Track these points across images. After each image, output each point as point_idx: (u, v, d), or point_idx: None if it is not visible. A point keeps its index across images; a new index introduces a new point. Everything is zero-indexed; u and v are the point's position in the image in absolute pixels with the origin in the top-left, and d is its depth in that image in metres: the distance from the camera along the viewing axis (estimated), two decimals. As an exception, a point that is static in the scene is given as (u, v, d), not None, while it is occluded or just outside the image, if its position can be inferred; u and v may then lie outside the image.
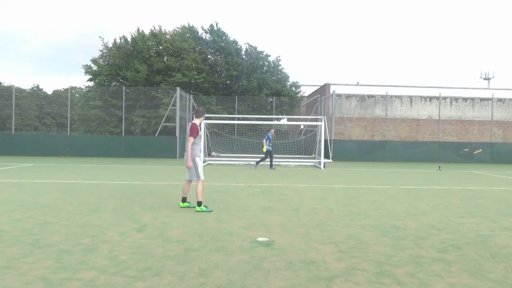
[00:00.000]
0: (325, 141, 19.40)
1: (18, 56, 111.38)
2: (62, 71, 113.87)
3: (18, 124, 27.58)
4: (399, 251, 4.29)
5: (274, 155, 17.21)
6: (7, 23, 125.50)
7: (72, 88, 32.01)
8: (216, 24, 28.45)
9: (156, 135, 22.30)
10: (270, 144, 15.88)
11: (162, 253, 4.07)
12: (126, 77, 26.28)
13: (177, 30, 29.09)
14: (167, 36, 28.01)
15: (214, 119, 21.11)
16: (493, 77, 63.77)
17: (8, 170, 13.12)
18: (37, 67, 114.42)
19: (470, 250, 4.40)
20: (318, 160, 17.79)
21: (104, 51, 28.17)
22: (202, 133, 17.82)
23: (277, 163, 18.20)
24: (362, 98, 25.37)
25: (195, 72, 26.11)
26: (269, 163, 16.20)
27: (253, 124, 18.36)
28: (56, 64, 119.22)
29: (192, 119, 6.44)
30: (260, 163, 16.35)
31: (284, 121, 29.09)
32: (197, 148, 6.46)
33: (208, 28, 28.61)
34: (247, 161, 18.15)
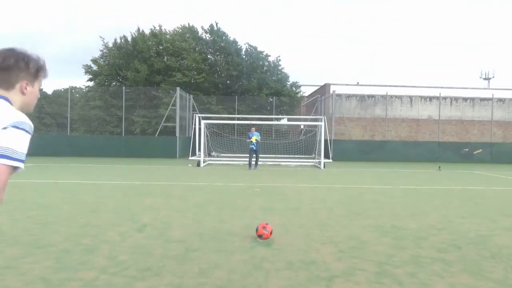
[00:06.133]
0: (325, 141, 19.39)
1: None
2: (64, 71, 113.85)
3: (18, 124, 27.49)
4: (399, 251, 4.29)
5: (274, 155, 16.93)
6: (15, 26, 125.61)
7: (72, 88, 32.00)
8: (216, 24, 28.45)
9: (156, 135, 22.30)
10: (252, 143, 15.11)
11: (162, 253, 4.07)
12: (126, 77, 26.27)
13: (177, 30, 29.09)
14: (167, 36, 28.01)
15: (214, 119, 21.10)
16: (493, 77, 63.69)
17: (8, 170, 13.10)
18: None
19: (470, 250, 4.40)
20: (318, 160, 17.78)
21: (104, 51, 28.18)
22: (202, 133, 17.94)
23: (277, 163, 18.20)
24: (362, 98, 25.36)
25: (195, 72, 26.10)
26: (252, 161, 15.42)
27: (253, 124, 18.42)
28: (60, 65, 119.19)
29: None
30: (258, 162, 15.90)
31: (284, 121, 29.09)
32: None
33: (208, 28, 28.60)
34: (247, 161, 18.15)
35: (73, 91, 32.98)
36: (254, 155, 15.41)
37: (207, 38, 28.66)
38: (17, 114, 1.47)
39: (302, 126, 27.90)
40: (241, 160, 18.52)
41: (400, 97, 25.27)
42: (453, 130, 25.24)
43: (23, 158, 1.45)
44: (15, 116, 1.45)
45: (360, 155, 21.71)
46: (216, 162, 18.50)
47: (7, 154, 1.38)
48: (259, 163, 15.83)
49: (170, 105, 22.06)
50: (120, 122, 23.81)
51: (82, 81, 62.04)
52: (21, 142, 1.44)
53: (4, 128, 1.41)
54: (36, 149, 20.93)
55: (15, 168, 1.41)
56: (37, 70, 1.57)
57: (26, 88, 1.55)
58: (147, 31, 28.53)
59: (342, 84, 25.74)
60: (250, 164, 15.30)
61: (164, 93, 24.86)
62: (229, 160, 19.04)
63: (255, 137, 15.21)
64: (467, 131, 25.31)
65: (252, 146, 15.18)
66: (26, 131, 1.46)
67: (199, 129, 18.24)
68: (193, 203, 7.08)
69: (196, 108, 24.75)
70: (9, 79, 1.51)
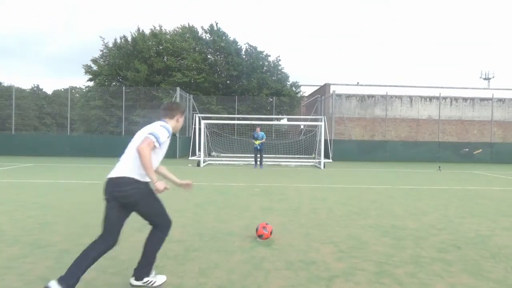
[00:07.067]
0: (325, 141, 19.39)
1: (27, 58, 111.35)
2: (64, 71, 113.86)
3: (18, 124, 27.57)
4: (399, 251, 4.29)
5: (274, 155, 17.08)
6: (16, 27, 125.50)
7: (72, 88, 32.00)
8: (216, 24, 28.45)
9: (156, 135, 22.25)
10: (256, 142, 15.82)
11: (162, 253, 4.06)
12: (126, 77, 26.27)
13: (177, 30, 29.10)
14: (167, 36, 28.01)
15: (214, 119, 21.10)
16: (493, 77, 63.75)
17: (8, 170, 13.12)
18: (45, 69, 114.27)
19: (470, 250, 4.40)
20: (318, 160, 17.78)
21: (104, 51, 28.18)
22: (202, 133, 17.87)
23: (277, 163, 18.20)
24: (362, 98, 25.36)
25: (195, 72, 26.10)
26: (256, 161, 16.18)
27: (253, 124, 18.47)
28: (59, 65, 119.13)
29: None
30: (263, 162, 16.31)
31: (284, 121, 29.08)
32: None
33: (208, 28, 28.61)
34: (247, 161, 18.15)
35: (73, 91, 33.00)
36: (258, 154, 16.00)
37: (207, 38, 28.66)
38: (168, 124, 3.16)
39: (302, 126, 27.90)
40: (241, 160, 18.54)
41: (400, 97, 25.28)
42: (453, 130, 25.25)
43: (161, 142, 3.00)
44: (167, 124, 3.15)
45: (360, 155, 21.72)
46: (216, 162, 18.50)
47: (154, 135, 2.97)
48: (263, 162, 16.31)
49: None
50: (120, 122, 23.81)
51: (82, 81, 62.19)
52: (163, 133, 3.04)
53: (160, 125, 3.08)
54: (36, 149, 21.05)
55: (154, 145, 2.96)
56: (183, 111, 3.38)
57: (178, 120, 3.33)
58: (147, 31, 28.57)
59: (342, 84, 25.75)
60: (256, 162, 15.96)
61: (164, 93, 24.85)
62: (229, 160, 19.05)
63: (258, 141, 15.74)
64: (467, 131, 25.32)
65: (256, 145, 15.84)
66: (167, 130, 3.10)
67: (199, 129, 18.25)
68: (193, 203, 7.08)
69: (196, 108, 24.74)
70: (172, 114, 3.27)
